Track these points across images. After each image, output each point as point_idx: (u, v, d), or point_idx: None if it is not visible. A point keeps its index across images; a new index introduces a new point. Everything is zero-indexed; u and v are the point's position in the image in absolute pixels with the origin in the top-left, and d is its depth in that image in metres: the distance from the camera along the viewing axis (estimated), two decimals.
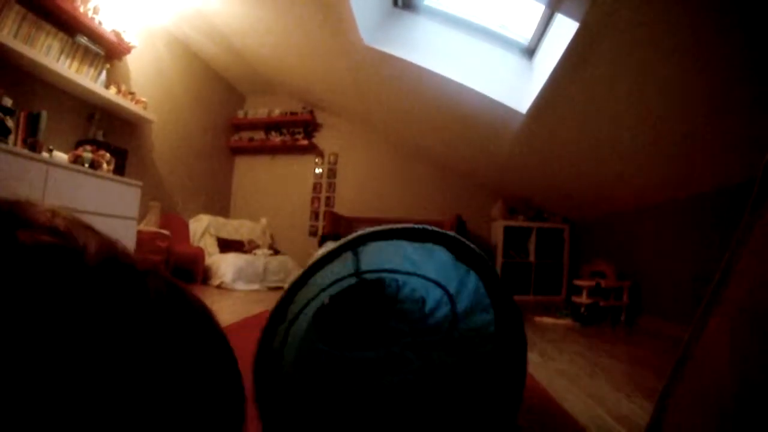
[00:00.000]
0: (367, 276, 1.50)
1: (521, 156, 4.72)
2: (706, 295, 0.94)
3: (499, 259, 5.81)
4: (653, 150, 3.31)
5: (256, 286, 5.43)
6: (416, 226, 1.12)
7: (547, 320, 4.35)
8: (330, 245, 1.33)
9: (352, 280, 1.44)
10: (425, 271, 1.58)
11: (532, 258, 5.84)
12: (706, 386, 0.89)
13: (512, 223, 5.93)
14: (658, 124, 2.97)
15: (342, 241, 1.07)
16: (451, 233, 1.15)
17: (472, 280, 1.44)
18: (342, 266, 1.31)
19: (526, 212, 6.05)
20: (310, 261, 1.10)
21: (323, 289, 1.34)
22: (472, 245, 1.16)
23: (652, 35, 2.36)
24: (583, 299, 4.35)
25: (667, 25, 2.24)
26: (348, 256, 1.26)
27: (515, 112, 3.81)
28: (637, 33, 2.40)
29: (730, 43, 2.11)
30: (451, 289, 1.59)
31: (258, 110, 7.22)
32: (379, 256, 1.45)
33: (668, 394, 0.99)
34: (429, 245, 1.32)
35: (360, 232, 1.09)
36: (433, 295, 1.69)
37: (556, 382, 2.27)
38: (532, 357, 2.85)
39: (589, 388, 2.19)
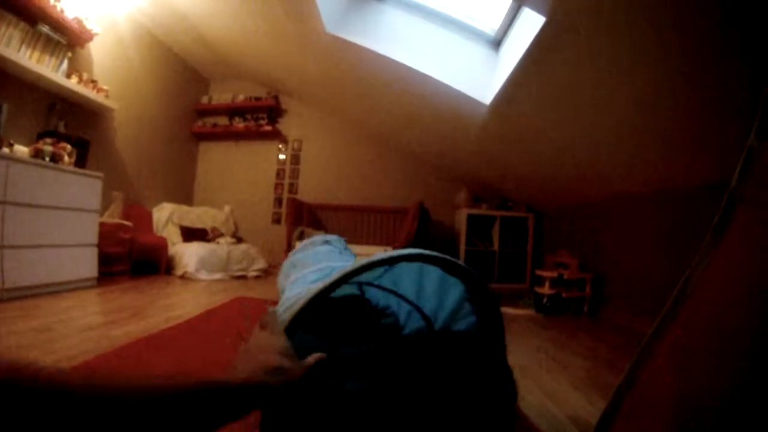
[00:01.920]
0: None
1: (485, 146, 4.74)
2: (657, 317, 0.96)
3: (462, 247, 5.82)
4: (617, 145, 3.34)
5: (219, 275, 5.39)
6: (412, 252, 1.12)
7: (510, 310, 4.40)
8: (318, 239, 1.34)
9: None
10: (404, 287, 1.67)
11: (495, 246, 5.88)
12: (650, 408, 0.91)
13: (476, 211, 5.93)
14: (622, 120, 3.00)
15: (349, 270, 1.05)
16: (440, 255, 1.16)
17: (455, 291, 1.50)
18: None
19: (490, 201, 6.08)
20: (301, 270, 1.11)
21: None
22: (460, 263, 1.18)
23: (617, 32, 2.38)
24: (546, 290, 4.41)
25: (633, 22, 2.26)
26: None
27: (479, 104, 3.82)
28: (602, 30, 2.42)
29: (701, 34, 2.12)
30: (428, 310, 1.64)
31: (222, 96, 7.11)
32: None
33: (611, 416, 1.02)
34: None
35: (362, 262, 1.08)
36: (404, 309, 1.75)
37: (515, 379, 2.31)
38: None
39: (548, 386, 2.23)
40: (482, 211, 5.93)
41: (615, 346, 3.09)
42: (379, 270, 1.65)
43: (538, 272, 4.69)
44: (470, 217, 5.86)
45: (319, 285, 1.05)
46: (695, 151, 2.92)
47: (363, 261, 1.10)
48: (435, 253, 1.16)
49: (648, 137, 3.05)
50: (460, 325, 1.55)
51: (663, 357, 0.91)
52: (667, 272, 3.41)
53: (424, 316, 1.68)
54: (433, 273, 1.53)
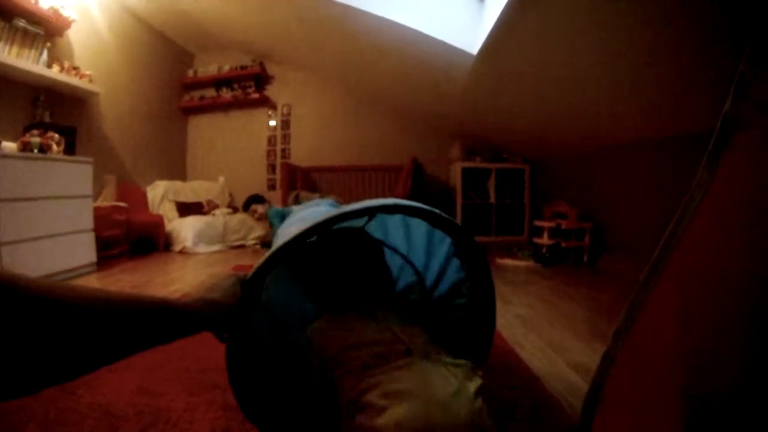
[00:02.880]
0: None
1: (476, 97, 4.66)
2: (651, 260, 0.95)
3: (459, 201, 5.81)
4: (612, 91, 3.26)
5: (217, 247, 5.39)
6: (397, 203, 1.14)
7: (509, 262, 4.41)
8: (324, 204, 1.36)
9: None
10: (394, 241, 1.71)
11: (492, 199, 5.85)
12: (650, 353, 0.90)
13: (470, 164, 5.89)
14: (618, 65, 2.93)
15: (321, 219, 1.07)
16: (425, 207, 1.16)
17: (444, 246, 1.53)
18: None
19: (484, 153, 6.03)
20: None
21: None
22: (446, 216, 1.18)
23: None
24: (545, 240, 4.41)
25: None
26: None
27: (465, 54, 3.75)
28: None
29: None
30: (419, 264, 1.68)
31: (208, 68, 6.98)
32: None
33: (611, 361, 1.01)
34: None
35: (335, 212, 1.09)
36: (396, 263, 1.75)
37: (514, 329, 2.32)
38: None
39: (548, 335, 2.24)
40: (477, 164, 5.88)
41: (615, 295, 3.09)
42: (371, 224, 1.65)
43: (537, 223, 4.69)
44: (465, 170, 5.82)
45: (287, 236, 1.07)
46: (685, 99, 2.87)
47: (339, 210, 1.10)
48: (415, 204, 1.16)
49: (640, 85, 2.99)
50: (449, 278, 1.56)
51: (661, 299, 0.90)
52: (664, 219, 3.40)
53: (417, 272, 1.68)
54: (420, 228, 1.53)
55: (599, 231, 4.31)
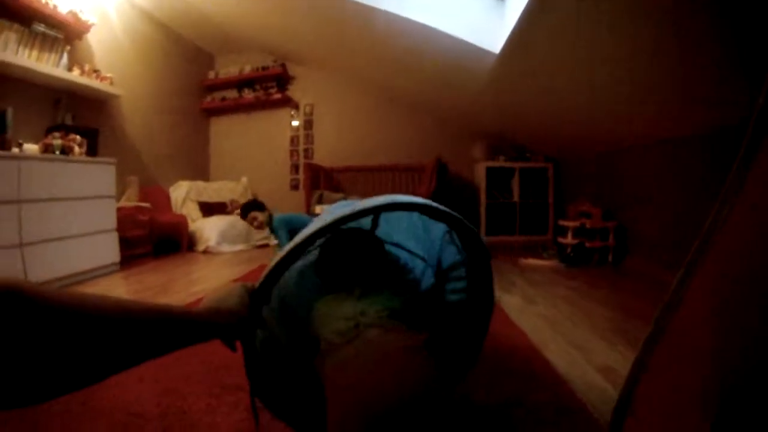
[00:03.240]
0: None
1: (499, 96, 4.61)
2: (683, 263, 0.92)
3: (483, 201, 5.75)
4: (637, 89, 3.18)
5: (241, 246, 5.43)
6: (397, 200, 1.17)
7: (533, 261, 4.37)
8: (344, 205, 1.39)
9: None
10: (403, 239, 1.76)
11: (516, 198, 5.79)
12: (684, 359, 0.88)
13: (494, 163, 5.83)
14: (643, 61, 2.87)
15: (329, 221, 1.09)
16: (422, 201, 1.17)
17: (439, 231, 1.56)
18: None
19: (507, 152, 5.98)
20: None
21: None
22: (442, 207, 1.18)
23: None
24: (569, 240, 4.36)
25: None
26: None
27: (488, 53, 3.72)
28: None
29: None
30: (426, 255, 1.73)
31: (229, 69, 7.02)
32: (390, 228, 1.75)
33: (642, 367, 0.98)
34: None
35: (338, 214, 1.11)
36: (419, 267, 1.79)
37: (539, 330, 2.30)
38: (515, 301, 2.88)
39: (572, 335, 2.21)
40: (500, 163, 5.83)
41: (640, 297, 3.04)
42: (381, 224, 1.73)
43: (561, 222, 4.63)
44: (489, 169, 5.77)
45: (289, 245, 1.09)
46: (711, 98, 2.81)
47: (341, 211, 1.12)
48: (418, 200, 1.18)
49: (661, 84, 2.93)
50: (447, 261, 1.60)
51: (695, 304, 0.87)
52: (686, 220, 3.35)
53: (423, 259, 1.72)
54: (439, 227, 1.52)
55: (623, 231, 4.24)
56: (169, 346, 0.77)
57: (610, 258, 4.25)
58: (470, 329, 1.47)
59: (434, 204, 1.17)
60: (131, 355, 0.70)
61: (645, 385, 0.96)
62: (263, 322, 1.23)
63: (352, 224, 1.63)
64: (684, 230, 3.37)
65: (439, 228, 1.52)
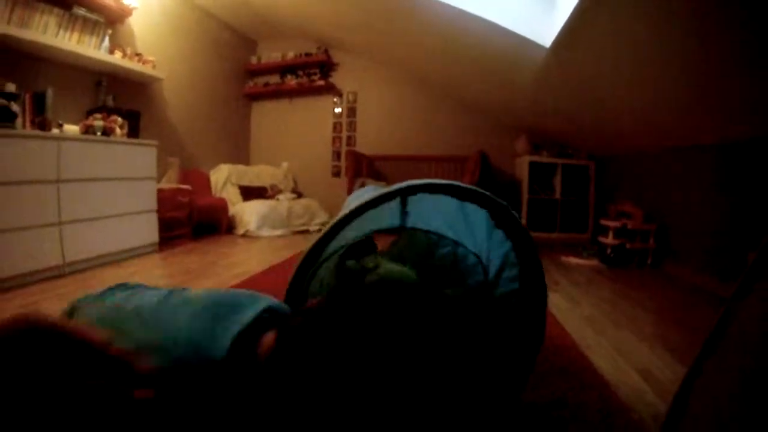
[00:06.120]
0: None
1: (545, 91, 4.54)
2: (746, 266, 0.90)
3: (525, 195, 5.69)
4: (687, 89, 3.13)
5: (281, 231, 5.47)
6: (464, 185, 1.16)
7: (573, 260, 4.32)
8: (370, 191, 1.36)
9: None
10: (462, 235, 1.66)
11: (557, 195, 5.72)
12: (742, 369, 0.86)
13: (538, 158, 5.76)
14: (693, 62, 2.82)
15: (391, 188, 1.08)
16: (495, 198, 1.17)
17: (501, 241, 1.47)
18: (383, 215, 1.40)
19: (550, 148, 5.91)
20: (350, 206, 1.12)
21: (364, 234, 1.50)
22: (513, 212, 1.16)
23: None
24: (610, 240, 4.29)
25: None
26: (392, 205, 1.38)
27: (538, 46, 3.66)
28: None
29: None
30: (483, 257, 1.63)
31: (271, 54, 7.06)
32: (426, 216, 1.60)
33: (697, 373, 0.96)
34: (466, 204, 1.36)
35: (408, 182, 1.10)
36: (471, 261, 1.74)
37: (582, 331, 2.29)
38: (559, 301, 2.86)
39: (614, 338, 2.21)
40: (544, 158, 5.76)
41: (680, 302, 3.01)
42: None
43: (603, 221, 4.56)
44: (532, 164, 5.69)
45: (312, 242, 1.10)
46: (754, 104, 2.74)
47: (364, 198, 1.11)
48: (433, 181, 1.15)
49: (709, 89, 2.87)
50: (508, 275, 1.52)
51: (751, 314, 0.84)
52: (730, 228, 3.27)
53: (485, 271, 1.66)
54: (478, 219, 1.49)
55: (664, 233, 4.16)
56: None
57: (649, 260, 4.17)
58: (527, 324, 1.41)
59: (477, 189, 1.16)
60: None
61: (699, 392, 0.95)
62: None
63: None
64: (724, 238, 3.29)
65: (479, 216, 1.46)
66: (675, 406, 0.99)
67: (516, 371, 1.37)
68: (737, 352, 0.88)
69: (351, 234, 1.30)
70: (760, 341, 0.81)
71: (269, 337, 0.82)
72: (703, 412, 0.94)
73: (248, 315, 0.82)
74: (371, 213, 1.18)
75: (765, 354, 0.78)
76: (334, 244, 1.23)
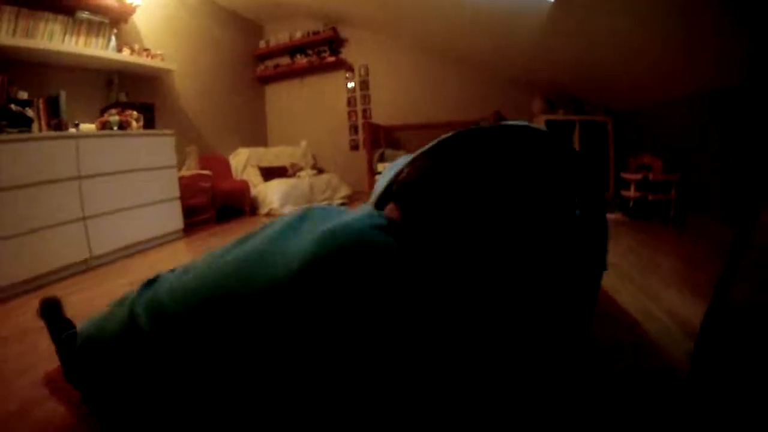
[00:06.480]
0: None
1: (554, 44, 4.48)
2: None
3: None
4: (699, 32, 3.07)
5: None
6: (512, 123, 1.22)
7: None
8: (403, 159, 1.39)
9: None
10: None
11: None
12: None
13: (554, 116, 5.70)
14: (703, 7, 2.76)
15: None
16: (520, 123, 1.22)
17: None
18: None
19: (566, 105, 5.86)
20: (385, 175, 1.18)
21: None
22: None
23: None
24: (632, 193, 4.27)
25: None
26: None
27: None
28: None
29: None
30: None
31: (279, 36, 7.06)
32: None
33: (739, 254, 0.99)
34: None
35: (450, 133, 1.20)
36: None
37: (609, 276, 2.32)
38: None
39: (640, 283, 2.25)
40: (561, 116, 5.71)
41: (703, 251, 2.99)
42: None
43: (623, 175, 4.54)
44: (548, 122, 5.65)
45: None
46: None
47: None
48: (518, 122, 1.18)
49: (723, 30, 2.77)
50: None
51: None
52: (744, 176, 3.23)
53: None
54: None
55: (686, 184, 4.12)
56: None
57: (672, 212, 4.15)
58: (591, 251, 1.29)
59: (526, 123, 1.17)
60: None
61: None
62: None
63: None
64: (740, 185, 3.25)
65: None
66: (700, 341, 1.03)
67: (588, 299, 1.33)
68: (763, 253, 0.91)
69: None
70: None
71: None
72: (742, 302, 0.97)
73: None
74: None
75: None
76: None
